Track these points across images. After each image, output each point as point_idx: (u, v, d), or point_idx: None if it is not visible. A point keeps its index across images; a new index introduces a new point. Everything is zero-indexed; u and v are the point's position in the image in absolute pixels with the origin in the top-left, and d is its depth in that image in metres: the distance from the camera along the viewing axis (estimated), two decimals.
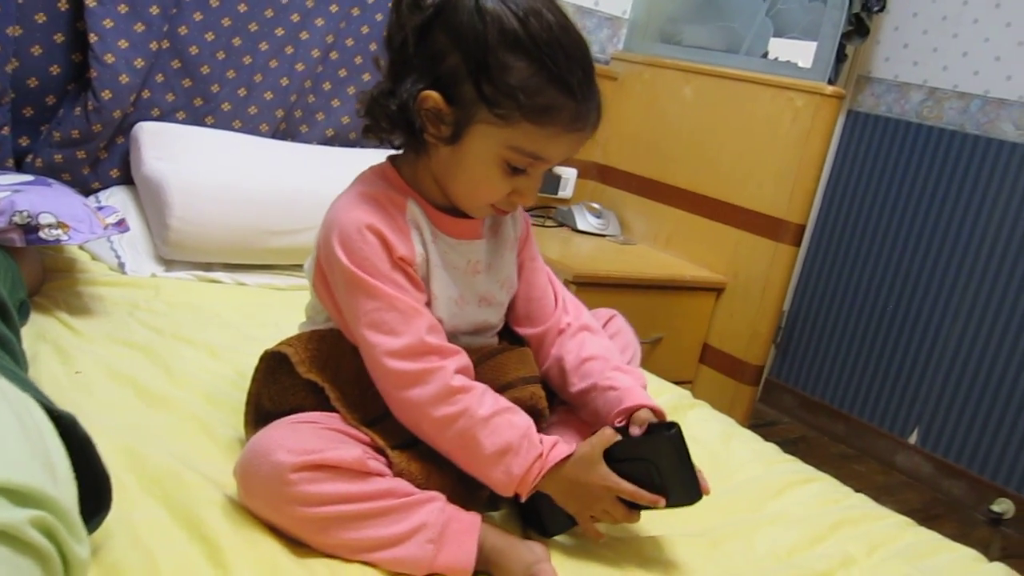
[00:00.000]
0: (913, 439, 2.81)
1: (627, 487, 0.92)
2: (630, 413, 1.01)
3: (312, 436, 0.90)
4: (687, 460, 0.95)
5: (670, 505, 0.95)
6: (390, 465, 0.93)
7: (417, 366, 0.92)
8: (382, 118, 0.96)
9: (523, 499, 0.94)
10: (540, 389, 1.05)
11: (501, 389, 1.00)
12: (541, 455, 0.91)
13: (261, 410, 1.03)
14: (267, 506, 0.88)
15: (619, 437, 0.95)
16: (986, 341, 2.63)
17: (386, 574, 0.87)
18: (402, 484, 0.91)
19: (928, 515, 2.46)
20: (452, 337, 1.01)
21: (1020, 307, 2.55)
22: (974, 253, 2.67)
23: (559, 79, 0.89)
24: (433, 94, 0.91)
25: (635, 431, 0.97)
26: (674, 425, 0.97)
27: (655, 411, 1.01)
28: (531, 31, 0.88)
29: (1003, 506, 2.54)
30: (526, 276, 1.13)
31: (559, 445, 0.93)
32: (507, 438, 0.91)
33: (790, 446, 1.49)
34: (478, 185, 0.96)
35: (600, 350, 1.10)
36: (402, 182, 1.01)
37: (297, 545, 0.88)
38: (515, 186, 0.96)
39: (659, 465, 0.94)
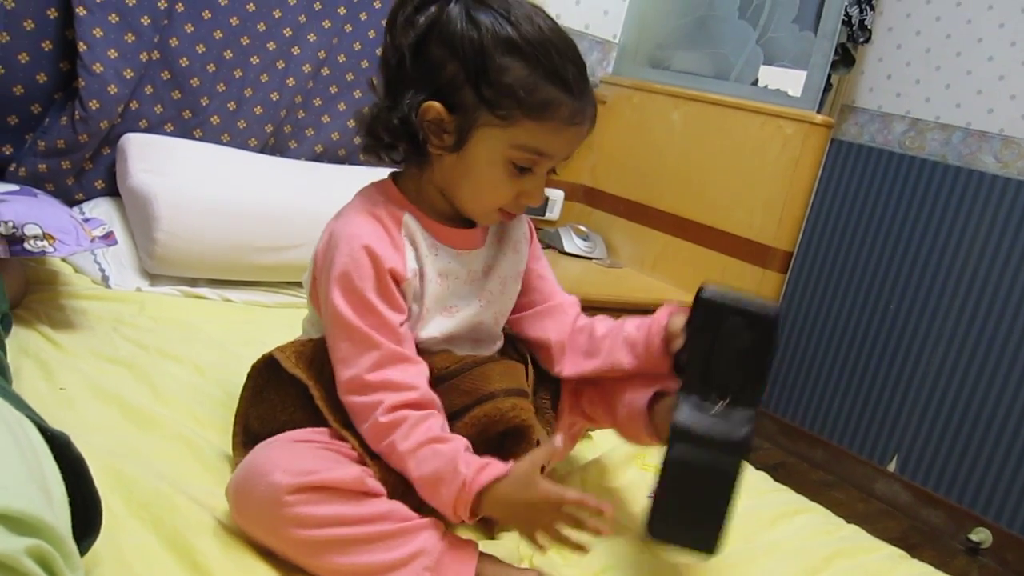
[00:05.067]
0: (892, 467, 2.83)
1: (571, 496, 0.84)
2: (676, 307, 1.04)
3: (309, 456, 0.89)
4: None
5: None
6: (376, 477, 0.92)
7: (360, 400, 0.93)
8: (384, 133, 0.97)
9: (470, 522, 0.91)
10: (526, 402, 1.03)
11: (482, 400, 0.99)
12: (464, 483, 0.87)
13: (249, 431, 1.01)
14: (261, 528, 0.86)
15: (551, 454, 0.90)
16: (965, 370, 2.65)
17: None
18: (400, 508, 0.89)
19: (907, 544, 2.46)
20: (450, 347, 1.02)
21: (999, 337, 2.57)
22: (954, 283, 2.69)
23: (555, 75, 0.92)
24: (435, 104, 0.94)
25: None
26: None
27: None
28: (524, 33, 0.92)
29: (981, 535, 2.55)
30: (529, 276, 1.16)
31: (488, 468, 0.88)
32: (433, 467, 0.89)
33: (770, 472, 1.48)
34: (485, 189, 0.98)
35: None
36: (401, 197, 1.02)
37: (290, 570, 0.86)
38: (522, 187, 0.98)
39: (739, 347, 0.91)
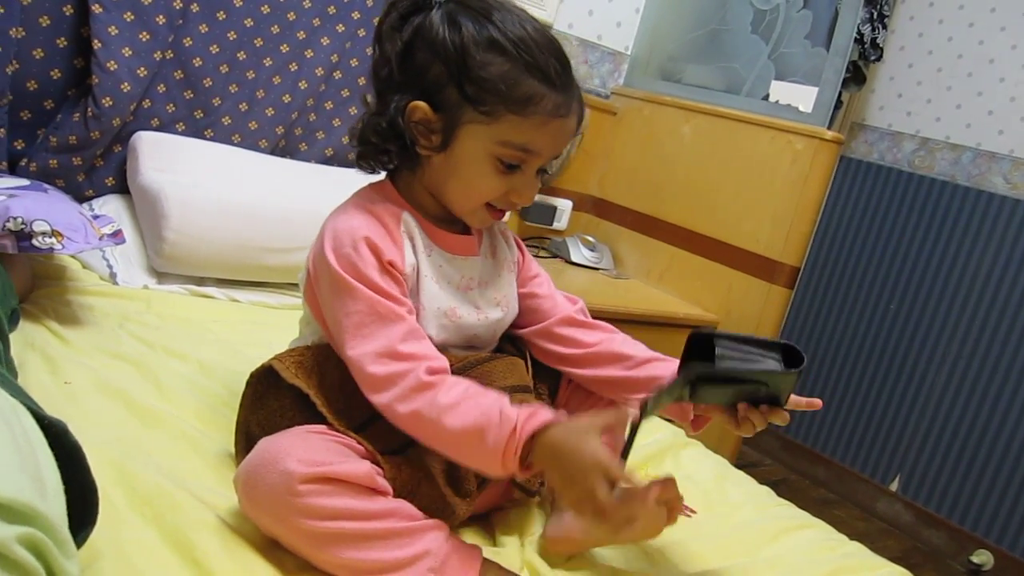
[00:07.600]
0: (894, 486, 2.81)
1: (617, 470, 0.81)
2: None
3: (322, 447, 0.88)
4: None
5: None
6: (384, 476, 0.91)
7: (388, 369, 0.90)
8: (372, 136, 0.99)
9: (519, 478, 0.89)
10: (531, 398, 1.04)
11: None
12: (516, 426, 0.84)
13: (251, 438, 1.00)
14: (270, 516, 0.85)
15: (619, 420, 0.89)
16: (970, 391, 2.64)
17: None
18: (406, 506, 0.89)
19: (908, 564, 2.44)
20: (442, 350, 1.00)
21: (1005, 358, 2.56)
22: (961, 302, 2.69)
23: (536, 68, 0.93)
24: (420, 104, 0.96)
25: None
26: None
27: None
28: (504, 31, 0.94)
29: (982, 557, 2.53)
30: (531, 288, 1.16)
31: (539, 412, 0.86)
32: (478, 414, 0.86)
33: (771, 488, 1.47)
34: (472, 186, 0.99)
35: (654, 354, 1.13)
36: (399, 196, 1.04)
37: (291, 569, 0.85)
38: (511, 185, 0.98)
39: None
